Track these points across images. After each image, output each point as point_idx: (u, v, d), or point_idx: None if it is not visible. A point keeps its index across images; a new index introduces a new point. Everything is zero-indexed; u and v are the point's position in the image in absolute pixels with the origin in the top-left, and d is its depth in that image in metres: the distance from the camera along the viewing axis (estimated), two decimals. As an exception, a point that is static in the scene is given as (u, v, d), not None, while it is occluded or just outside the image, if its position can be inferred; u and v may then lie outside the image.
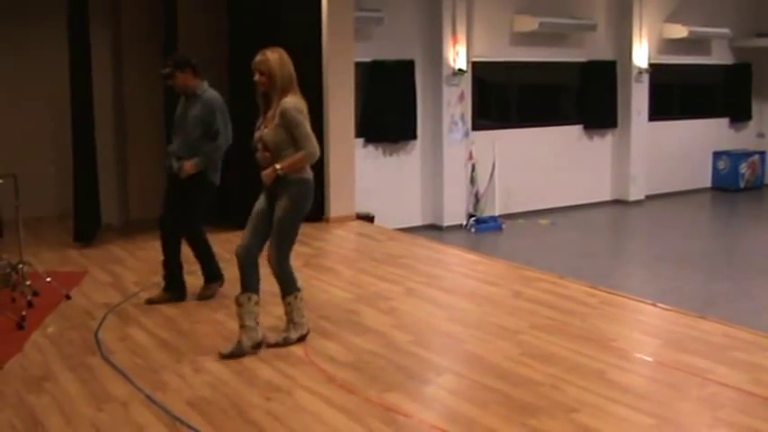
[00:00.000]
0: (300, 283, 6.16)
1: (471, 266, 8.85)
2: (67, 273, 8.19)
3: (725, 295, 9.77)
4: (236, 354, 5.80)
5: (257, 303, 5.90)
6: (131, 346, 6.11)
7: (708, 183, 18.28)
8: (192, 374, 5.49)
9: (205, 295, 7.34)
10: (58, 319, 6.75)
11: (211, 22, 10.76)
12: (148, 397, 5.08)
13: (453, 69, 13.68)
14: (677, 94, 18.05)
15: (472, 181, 14.25)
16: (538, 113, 15.86)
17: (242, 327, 5.88)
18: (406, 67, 13.55)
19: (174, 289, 7.30)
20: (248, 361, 5.72)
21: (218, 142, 7.01)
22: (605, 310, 7.02)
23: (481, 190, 14.33)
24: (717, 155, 18.19)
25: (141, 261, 8.80)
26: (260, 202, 5.99)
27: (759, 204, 17.43)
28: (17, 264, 7.06)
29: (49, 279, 7.33)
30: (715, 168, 18.25)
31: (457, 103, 13.88)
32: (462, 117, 13.98)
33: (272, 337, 6.07)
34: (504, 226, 14.03)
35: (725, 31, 17.35)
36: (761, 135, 18.92)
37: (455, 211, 14.06)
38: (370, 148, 13.41)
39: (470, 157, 14.16)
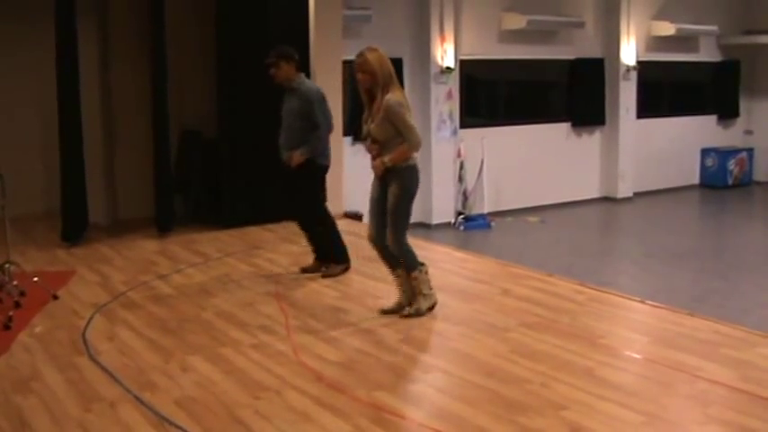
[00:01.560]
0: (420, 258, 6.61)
1: (460, 264, 8.84)
2: (55, 272, 8.14)
3: (714, 292, 9.80)
4: (414, 315, 6.53)
5: (427, 272, 6.58)
6: (119, 345, 6.07)
7: (696, 180, 18.34)
8: (180, 374, 5.46)
9: (330, 273, 7.89)
10: (46, 319, 6.71)
11: (199, 19, 10.71)
12: (136, 397, 5.05)
13: (441, 67, 13.69)
14: (665, 91, 18.10)
15: (460, 179, 14.26)
16: (526, 111, 15.89)
17: (421, 294, 6.55)
18: (394, 66, 13.45)
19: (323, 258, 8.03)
20: (237, 360, 5.70)
21: (319, 132, 7.58)
22: (594, 308, 7.02)
23: (469, 188, 14.34)
24: (705, 152, 18.26)
25: (129, 260, 8.76)
26: (374, 191, 6.55)
27: (747, 201, 17.49)
28: (4, 263, 7.04)
29: (36, 279, 7.29)
30: (703, 165, 18.32)
31: (445, 101, 13.89)
32: (450, 115, 13.99)
33: (406, 310, 6.59)
34: (492, 224, 14.04)
35: (713, 28, 17.42)
36: (749, 132, 18.99)
37: (443, 209, 14.07)
38: (358, 146, 13.34)
39: (459, 155, 14.17)
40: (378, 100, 6.29)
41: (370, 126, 6.33)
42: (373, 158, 6.39)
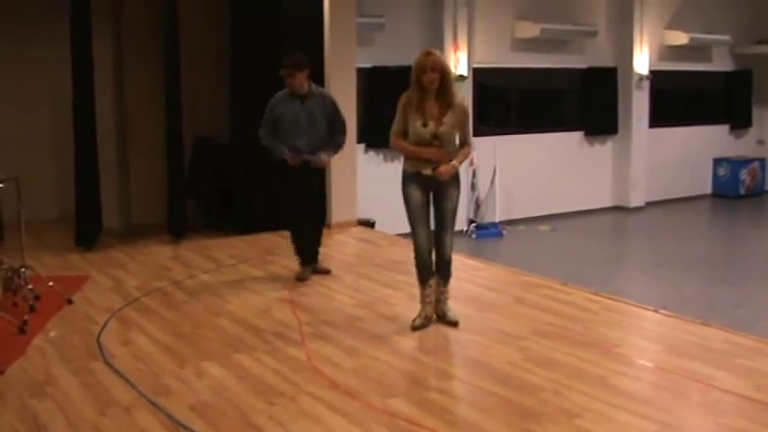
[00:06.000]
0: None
1: (472, 272, 8.84)
2: (69, 277, 8.19)
3: (726, 301, 9.78)
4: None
5: None
6: (134, 350, 6.11)
7: (708, 189, 18.29)
8: (194, 379, 5.49)
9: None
10: (60, 324, 6.75)
11: (213, 25, 10.77)
12: (151, 401, 5.08)
13: (455, 75, 13.67)
14: (678, 100, 18.08)
15: (473, 187, 14.25)
16: (539, 120, 15.90)
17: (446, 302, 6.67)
18: (408, 73, 13.46)
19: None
20: (251, 366, 5.73)
21: (346, 133, 8.13)
22: (607, 317, 7.03)
23: (482, 196, 14.34)
24: (717, 161, 18.22)
25: (143, 265, 8.80)
26: (419, 197, 6.48)
27: (759, 211, 17.44)
28: (19, 268, 7.07)
29: (51, 283, 7.33)
30: (715, 175, 18.27)
31: (458, 109, 13.88)
32: (463, 123, 13.98)
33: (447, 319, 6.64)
34: (504, 232, 14.04)
35: (725, 37, 17.39)
36: (761, 142, 18.95)
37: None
38: (371, 153, 13.41)
39: (471, 163, 14.16)
40: (446, 101, 6.28)
41: (437, 129, 6.23)
42: (435, 162, 6.26)
